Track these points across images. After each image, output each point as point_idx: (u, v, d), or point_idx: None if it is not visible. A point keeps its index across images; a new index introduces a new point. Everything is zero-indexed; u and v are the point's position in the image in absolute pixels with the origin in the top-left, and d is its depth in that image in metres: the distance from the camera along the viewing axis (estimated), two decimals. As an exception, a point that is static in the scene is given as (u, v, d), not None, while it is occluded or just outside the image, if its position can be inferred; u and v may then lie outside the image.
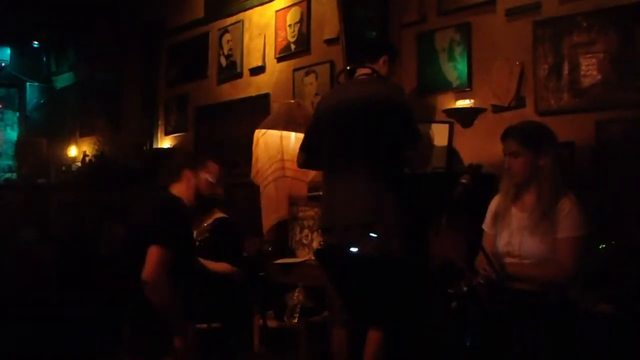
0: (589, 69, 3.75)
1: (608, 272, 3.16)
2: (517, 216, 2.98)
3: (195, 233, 4.17)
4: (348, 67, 4.37)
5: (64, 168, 8.50)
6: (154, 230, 2.95)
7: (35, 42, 9.31)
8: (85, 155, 8.16)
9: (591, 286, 2.93)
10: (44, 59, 9.44)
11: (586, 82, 3.77)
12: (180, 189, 3.15)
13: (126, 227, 3.25)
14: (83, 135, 8.56)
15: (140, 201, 3.20)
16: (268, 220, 4.67)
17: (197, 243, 4.05)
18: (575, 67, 3.81)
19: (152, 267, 2.89)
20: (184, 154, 3.29)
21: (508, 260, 2.90)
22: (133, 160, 6.72)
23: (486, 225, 3.13)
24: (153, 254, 2.90)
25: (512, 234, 2.96)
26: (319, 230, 4.06)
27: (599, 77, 3.72)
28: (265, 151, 4.70)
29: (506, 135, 3.00)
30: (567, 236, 2.81)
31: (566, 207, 2.83)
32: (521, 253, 2.88)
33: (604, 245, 3.24)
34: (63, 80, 9.14)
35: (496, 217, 3.07)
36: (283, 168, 4.66)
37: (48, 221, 6.90)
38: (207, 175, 3.17)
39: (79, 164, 8.22)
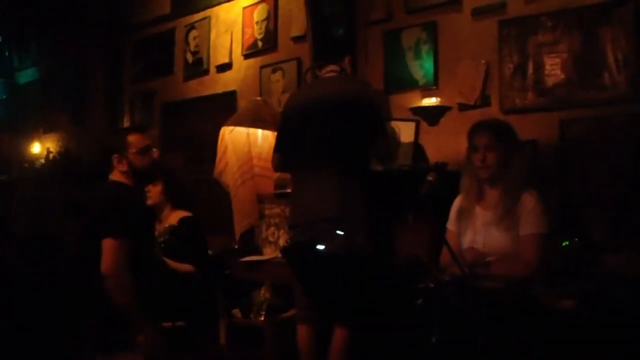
0: (553, 69, 3.81)
1: (570, 269, 3.20)
2: (481, 214, 3.00)
3: (157, 232, 4.13)
4: (314, 66, 4.36)
5: (26, 165, 8.37)
6: (103, 224, 2.97)
7: (-3, 37, 9.17)
8: (49, 152, 8.05)
9: (554, 282, 2.97)
10: (7, 53, 9.27)
11: (550, 81, 3.82)
12: (117, 175, 3.17)
13: (80, 224, 3.25)
14: (46, 131, 8.43)
15: (90, 197, 3.20)
16: (240, 224, 4.61)
17: (160, 242, 4.03)
18: (539, 67, 3.86)
19: (109, 259, 2.92)
20: (106, 143, 3.30)
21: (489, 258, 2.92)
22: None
23: (450, 224, 3.15)
24: (107, 246, 2.93)
25: (477, 232, 2.98)
26: (287, 228, 4.05)
27: (563, 76, 3.77)
28: (233, 150, 4.62)
29: (478, 130, 3.02)
30: (531, 233, 2.85)
31: (529, 204, 2.87)
32: (485, 249, 2.90)
33: (567, 242, 3.28)
34: (26, 75, 8.98)
35: (460, 215, 3.09)
36: (252, 166, 4.61)
37: (9, 218, 6.79)
38: (133, 150, 3.16)
39: (43, 160, 8.10)
